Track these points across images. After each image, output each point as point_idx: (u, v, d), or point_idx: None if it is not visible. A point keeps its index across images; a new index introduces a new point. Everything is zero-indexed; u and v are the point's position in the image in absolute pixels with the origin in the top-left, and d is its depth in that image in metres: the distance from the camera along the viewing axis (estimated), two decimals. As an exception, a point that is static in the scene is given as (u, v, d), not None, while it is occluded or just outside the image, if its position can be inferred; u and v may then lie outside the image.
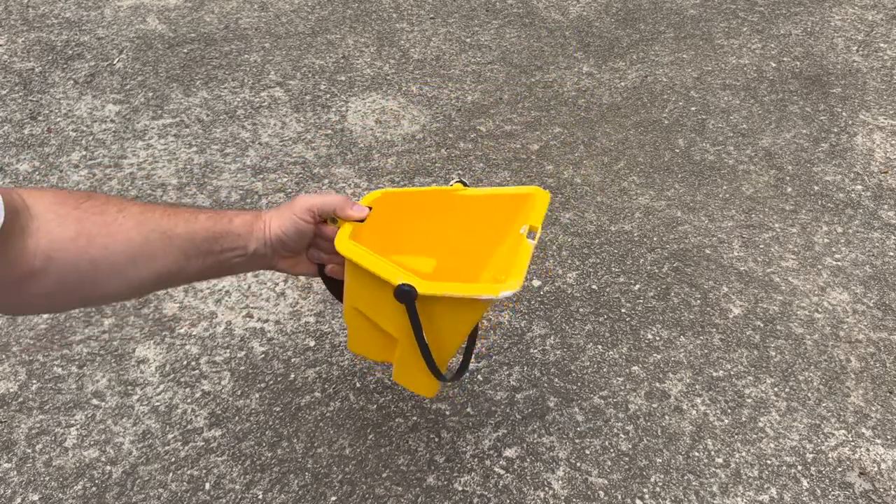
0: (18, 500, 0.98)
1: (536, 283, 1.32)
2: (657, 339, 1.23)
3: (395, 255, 0.80)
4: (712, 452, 1.06)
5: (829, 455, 1.07)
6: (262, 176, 1.52)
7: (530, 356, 1.19)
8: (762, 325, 1.25)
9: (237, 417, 1.09)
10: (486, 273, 0.88)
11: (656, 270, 1.35)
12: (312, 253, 0.82)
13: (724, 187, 1.54)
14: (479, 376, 1.15)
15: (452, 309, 0.75)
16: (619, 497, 1.01)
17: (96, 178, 1.50)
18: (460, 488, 1.01)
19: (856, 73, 1.90)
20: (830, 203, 1.51)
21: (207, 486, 1.01)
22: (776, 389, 1.15)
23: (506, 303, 1.27)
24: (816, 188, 1.55)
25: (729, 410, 1.12)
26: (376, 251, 0.75)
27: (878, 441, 1.09)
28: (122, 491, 1.00)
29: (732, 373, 1.18)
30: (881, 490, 1.03)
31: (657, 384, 1.15)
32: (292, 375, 1.14)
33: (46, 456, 1.03)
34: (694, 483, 1.03)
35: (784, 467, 1.05)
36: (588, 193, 1.51)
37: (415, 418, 1.09)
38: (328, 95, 1.76)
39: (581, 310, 1.27)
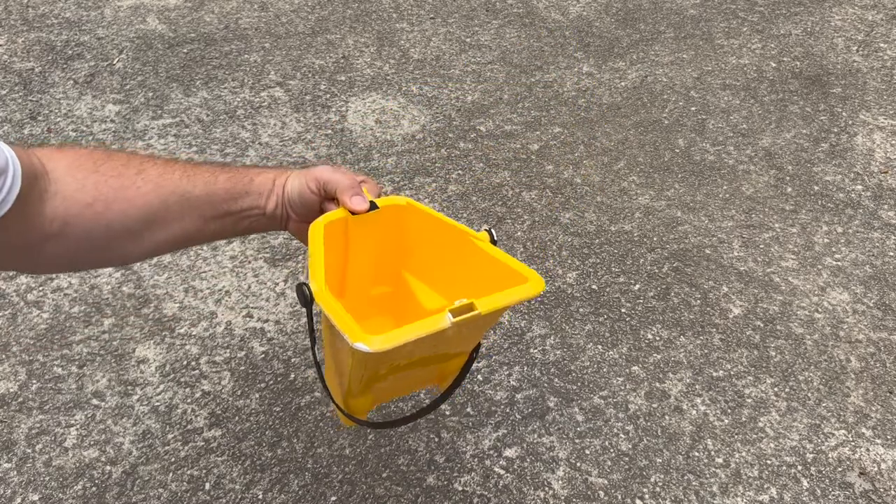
0: (18, 500, 0.98)
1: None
2: (657, 339, 1.23)
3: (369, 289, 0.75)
4: (712, 452, 1.06)
5: (829, 455, 1.07)
6: (262, 176, 1.52)
7: (530, 356, 1.19)
8: (762, 325, 1.25)
9: (237, 417, 1.09)
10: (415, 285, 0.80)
11: (656, 270, 1.35)
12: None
13: (724, 187, 1.54)
14: (479, 376, 1.15)
15: (497, 316, 0.68)
16: (619, 497, 1.01)
17: (96, 178, 1.50)
18: (460, 488, 1.01)
19: (856, 73, 1.90)
20: (830, 203, 1.51)
21: (207, 486, 1.01)
22: (776, 389, 1.15)
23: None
24: (816, 188, 1.55)
25: (729, 410, 1.12)
26: (357, 251, 0.72)
27: (878, 441, 1.09)
28: (122, 491, 1.00)
29: (732, 373, 1.18)
30: (881, 490, 1.03)
31: (657, 384, 1.15)
32: (292, 375, 1.14)
33: (46, 456, 1.03)
34: (694, 483, 1.03)
35: (784, 467, 1.05)
36: (588, 193, 1.51)
37: (415, 418, 1.09)
38: (328, 95, 1.76)
39: (581, 310, 1.27)
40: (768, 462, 1.05)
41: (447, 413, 1.10)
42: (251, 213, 0.71)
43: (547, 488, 1.01)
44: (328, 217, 0.70)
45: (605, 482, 1.02)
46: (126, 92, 1.75)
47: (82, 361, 1.16)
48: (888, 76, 1.89)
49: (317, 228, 0.69)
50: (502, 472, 1.03)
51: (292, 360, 1.17)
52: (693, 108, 1.77)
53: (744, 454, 1.06)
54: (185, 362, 1.16)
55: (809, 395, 1.15)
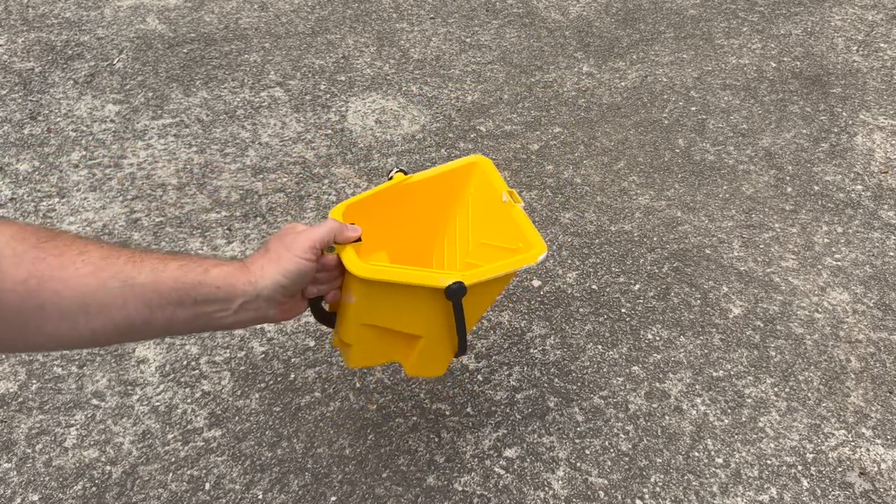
0: (18, 500, 0.98)
1: (536, 283, 1.32)
2: (657, 339, 1.23)
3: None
4: (712, 452, 1.06)
5: (829, 455, 1.07)
6: (261, 176, 1.52)
7: (530, 356, 1.19)
8: (762, 325, 1.25)
9: (237, 417, 1.09)
10: (453, 245, 0.93)
11: (656, 270, 1.35)
12: (310, 289, 0.77)
13: (724, 187, 1.54)
14: (479, 376, 1.15)
15: (486, 289, 0.80)
16: (619, 497, 1.01)
17: (96, 178, 1.50)
18: (460, 488, 1.01)
19: (856, 73, 1.90)
20: (830, 203, 1.51)
21: (207, 486, 1.01)
22: (776, 389, 1.15)
23: (505, 302, 1.27)
24: (816, 188, 1.55)
25: (729, 410, 1.12)
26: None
27: (878, 441, 1.09)
28: (122, 491, 1.00)
29: (732, 373, 1.18)
30: (881, 490, 1.03)
31: (657, 384, 1.15)
32: (292, 375, 1.14)
33: (46, 456, 1.03)
34: (694, 483, 1.03)
35: (784, 467, 1.05)
36: (588, 193, 1.51)
37: (415, 418, 1.09)
38: (328, 95, 1.76)
39: (581, 310, 1.27)
40: (768, 462, 1.05)
41: (447, 413, 1.10)
42: (214, 309, 0.66)
43: (547, 488, 1.01)
44: (354, 257, 0.75)
45: (605, 482, 1.02)
46: (126, 92, 1.75)
47: (82, 361, 1.16)
48: (888, 76, 1.89)
49: (374, 267, 0.75)
50: (502, 472, 1.03)
51: (292, 360, 1.17)
52: (693, 108, 1.77)
53: (744, 454, 1.06)
54: (184, 362, 1.16)
55: (809, 395, 1.15)
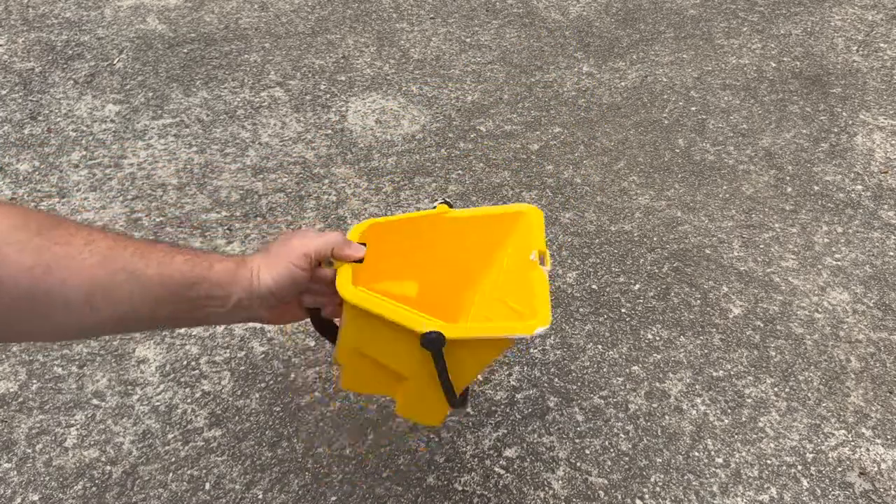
0: (18, 500, 0.98)
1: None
2: (657, 339, 1.23)
3: (376, 284, 0.76)
4: (712, 452, 1.07)
5: (829, 455, 1.07)
6: (262, 176, 1.52)
7: (530, 356, 1.19)
8: (762, 325, 1.25)
9: (237, 417, 1.09)
10: (478, 296, 0.85)
11: (656, 270, 1.35)
12: (307, 298, 0.75)
13: (724, 187, 1.54)
14: (479, 376, 1.15)
15: (478, 348, 0.73)
16: (619, 497, 1.01)
17: (96, 178, 1.50)
18: (460, 488, 1.01)
19: (856, 73, 1.90)
20: (830, 203, 1.51)
21: (207, 486, 1.01)
22: (776, 389, 1.15)
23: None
24: (816, 188, 1.55)
25: (729, 410, 1.12)
26: (362, 281, 0.72)
27: (878, 441, 1.09)
28: (122, 491, 1.00)
29: (732, 373, 1.18)
30: (881, 490, 1.03)
31: (657, 384, 1.15)
32: (292, 375, 1.14)
33: (46, 456, 1.03)
34: (694, 483, 1.03)
35: (784, 467, 1.05)
36: (588, 193, 1.51)
37: (415, 418, 1.09)
38: (328, 95, 1.76)
39: (581, 310, 1.27)
40: (768, 462, 1.06)
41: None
42: (209, 304, 0.66)
43: (547, 488, 1.02)
44: (347, 278, 0.71)
45: (605, 482, 1.02)
46: (126, 92, 1.75)
47: (82, 361, 1.16)
48: (888, 76, 1.89)
49: (359, 294, 0.70)
50: (502, 472, 1.03)
51: (292, 360, 1.17)
52: (693, 108, 1.77)
53: (744, 454, 1.06)
54: (185, 362, 1.16)
55: (809, 395, 1.15)
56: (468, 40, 1.99)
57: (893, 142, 1.68)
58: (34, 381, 1.13)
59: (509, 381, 1.15)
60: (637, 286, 1.32)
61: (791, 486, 1.03)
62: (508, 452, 1.06)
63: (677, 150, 1.64)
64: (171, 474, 1.02)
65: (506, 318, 0.79)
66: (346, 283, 0.70)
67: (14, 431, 1.06)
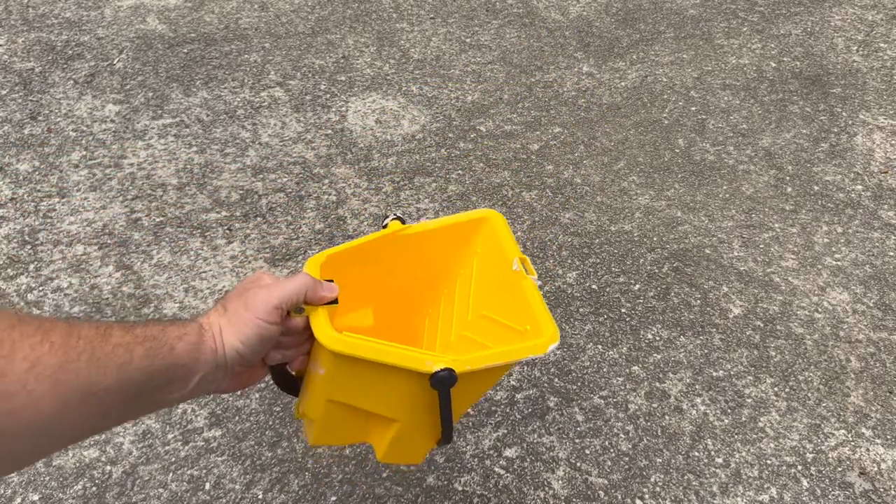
0: (18, 500, 0.98)
1: (537, 283, 1.32)
2: (657, 339, 1.23)
3: (338, 318, 0.70)
4: (712, 452, 1.07)
5: (829, 455, 1.07)
6: (262, 176, 1.52)
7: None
8: (762, 325, 1.25)
9: (237, 417, 1.09)
10: (457, 314, 0.80)
11: (656, 270, 1.35)
12: (274, 355, 0.65)
13: (724, 187, 1.54)
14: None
15: (483, 376, 0.68)
16: (619, 497, 1.01)
17: (96, 178, 1.50)
18: (460, 488, 1.01)
19: (856, 73, 1.90)
20: (830, 203, 1.51)
21: (207, 485, 1.01)
22: (776, 389, 1.15)
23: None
24: (816, 188, 1.55)
25: (729, 410, 1.12)
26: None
27: (878, 441, 1.09)
28: (122, 491, 1.00)
29: (732, 373, 1.18)
30: (881, 490, 1.03)
31: (657, 384, 1.15)
32: (292, 375, 1.14)
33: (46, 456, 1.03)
34: (694, 483, 1.03)
35: (784, 467, 1.05)
36: (588, 193, 1.51)
37: (415, 418, 1.09)
38: (328, 95, 1.76)
39: (581, 310, 1.27)
40: (768, 462, 1.06)
41: (447, 413, 1.10)
42: (170, 391, 0.57)
43: (547, 488, 1.02)
44: (326, 325, 0.63)
45: (605, 482, 1.02)
46: (126, 92, 1.75)
47: (82, 361, 1.16)
48: (888, 76, 1.89)
49: (349, 341, 0.62)
50: (502, 472, 1.03)
51: (292, 360, 1.17)
52: (693, 108, 1.77)
53: (744, 454, 1.06)
54: (185, 362, 1.16)
55: (809, 395, 1.15)
56: (468, 40, 1.99)
57: (893, 142, 1.68)
58: (34, 381, 1.13)
59: (509, 381, 1.15)
60: (637, 286, 1.32)
61: (791, 486, 1.03)
62: (508, 452, 1.06)
63: (677, 150, 1.64)
64: (171, 474, 1.02)
65: (503, 338, 0.73)
66: (325, 330, 0.62)
67: (14, 431, 1.06)
